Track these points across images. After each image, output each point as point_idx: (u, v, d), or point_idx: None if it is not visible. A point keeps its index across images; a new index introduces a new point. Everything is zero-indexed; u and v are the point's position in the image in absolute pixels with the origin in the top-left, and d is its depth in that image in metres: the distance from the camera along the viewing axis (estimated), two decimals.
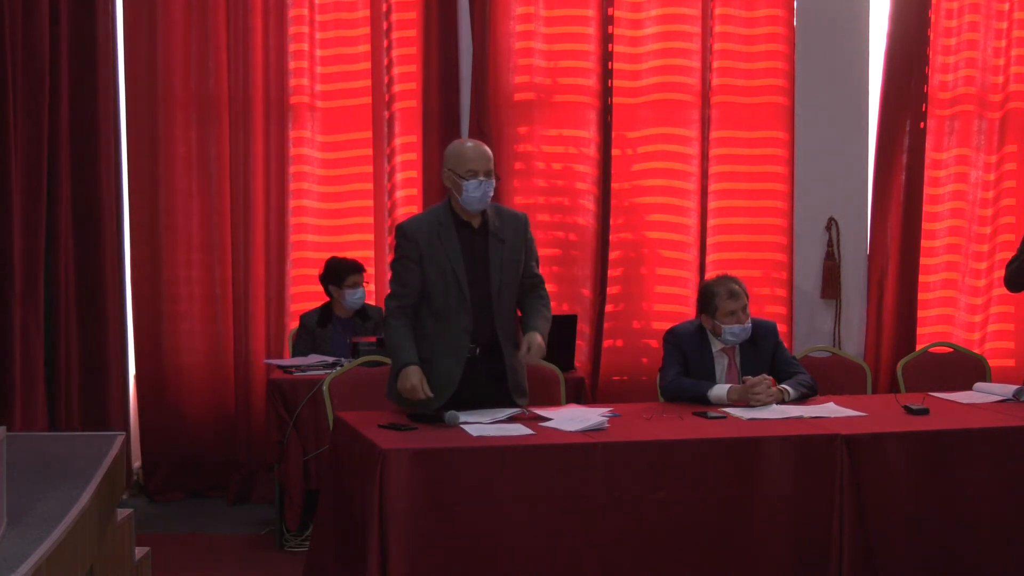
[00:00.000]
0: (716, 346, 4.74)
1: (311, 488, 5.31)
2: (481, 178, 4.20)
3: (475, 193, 4.21)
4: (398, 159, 6.50)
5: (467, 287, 4.25)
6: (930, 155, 6.74)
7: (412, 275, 4.27)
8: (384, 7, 6.42)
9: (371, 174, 6.48)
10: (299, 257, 6.48)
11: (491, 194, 4.27)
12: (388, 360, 4.59)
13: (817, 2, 6.70)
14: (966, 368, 5.52)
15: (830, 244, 6.75)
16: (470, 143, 4.37)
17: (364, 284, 6.00)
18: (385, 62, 6.45)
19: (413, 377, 4.17)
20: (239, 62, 6.34)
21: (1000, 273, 5.87)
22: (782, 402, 4.50)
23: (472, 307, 4.27)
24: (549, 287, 4.59)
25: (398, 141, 6.50)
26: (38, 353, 5.75)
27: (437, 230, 4.27)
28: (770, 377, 4.54)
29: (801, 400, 4.58)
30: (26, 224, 5.74)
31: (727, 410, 4.36)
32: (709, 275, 6.33)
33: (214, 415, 6.45)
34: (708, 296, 4.73)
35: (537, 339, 4.27)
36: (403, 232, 4.31)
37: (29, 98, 5.75)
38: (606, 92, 6.53)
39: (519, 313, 4.45)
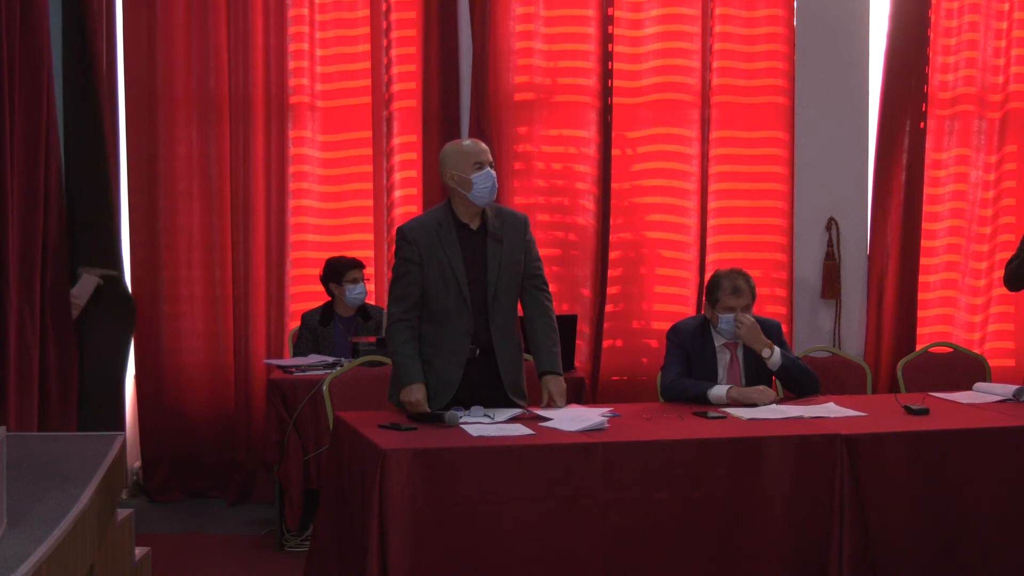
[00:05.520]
0: (718, 341, 4.73)
1: (311, 488, 5.31)
2: (488, 168, 4.22)
3: (486, 184, 4.21)
4: (397, 159, 6.50)
5: (467, 288, 4.25)
6: (930, 155, 6.74)
7: (412, 279, 4.27)
8: (384, 7, 6.42)
9: (371, 174, 6.49)
10: (299, 257, 6.48)
11: (497, 185, 4.28)
12: (388, 360, 4.59)
13: (817, 2, 6.70)
14: (966, 368, 5.53)
15: (830, 244, 6.75)
16: (466, 141, 4.38)
17: (364, 282, 6.00)
18: (385, 62, 6.45)
19: (418, 394, 4.20)
20: (239, 62, 6.35)
21: (1000, 273, 5.87)
22: (774, 370, 4.57)
23: (471, 308, 4.27)
24: (549, 287, 4.56)
25: (397, 141, 6.50)
26: (35, 353, 5.74)
27: (437, 231, 4.27)
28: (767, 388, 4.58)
29: (790, 375, 4.63)
30: (23, 223, 5.72)
31: (727, 410, 4.36)
32: (709, 275, 6.32)
33: (214, 415, 6.45)
34: (714, 286, 4.72)
35: (556, 384, 4.36)
36: (403, 235, 4.31)
37: (28, 97, 5.73)
38: (606, 92, 6.53)
39: (521, 314, 4.45)
